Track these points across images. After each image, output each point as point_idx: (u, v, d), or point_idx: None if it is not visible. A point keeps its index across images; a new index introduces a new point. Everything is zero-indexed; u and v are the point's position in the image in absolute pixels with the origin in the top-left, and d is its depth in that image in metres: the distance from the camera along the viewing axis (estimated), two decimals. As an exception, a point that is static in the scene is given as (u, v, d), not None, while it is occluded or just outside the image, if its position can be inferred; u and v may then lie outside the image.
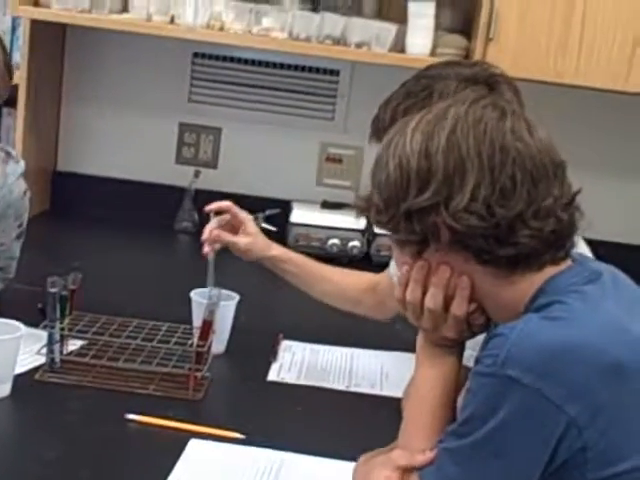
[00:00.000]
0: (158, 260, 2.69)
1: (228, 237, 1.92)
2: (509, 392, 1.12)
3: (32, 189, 2.77)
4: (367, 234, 2.77)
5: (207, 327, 1.78)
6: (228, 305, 1.92)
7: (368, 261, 2.72)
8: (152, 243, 2.83)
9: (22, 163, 2.07)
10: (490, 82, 1.66)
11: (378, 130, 1.68)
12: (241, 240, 1.92)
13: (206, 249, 1.91)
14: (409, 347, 1.97)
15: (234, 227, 1.94)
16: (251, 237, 1.93)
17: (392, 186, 1.22)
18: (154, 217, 2.89)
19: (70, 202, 3.00)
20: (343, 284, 2.00)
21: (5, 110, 2.81)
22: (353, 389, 1.84)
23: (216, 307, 1.81)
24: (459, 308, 1.24)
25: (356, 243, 2.76)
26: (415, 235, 1.22)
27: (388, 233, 1.28)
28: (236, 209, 1.95)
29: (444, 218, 1.18)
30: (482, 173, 1.18)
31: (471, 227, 1.18)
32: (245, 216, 1.95)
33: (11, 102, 2.74)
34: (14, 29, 2.79)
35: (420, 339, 1.35)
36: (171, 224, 2.93)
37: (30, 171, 2.77)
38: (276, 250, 1.96)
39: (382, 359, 1.99)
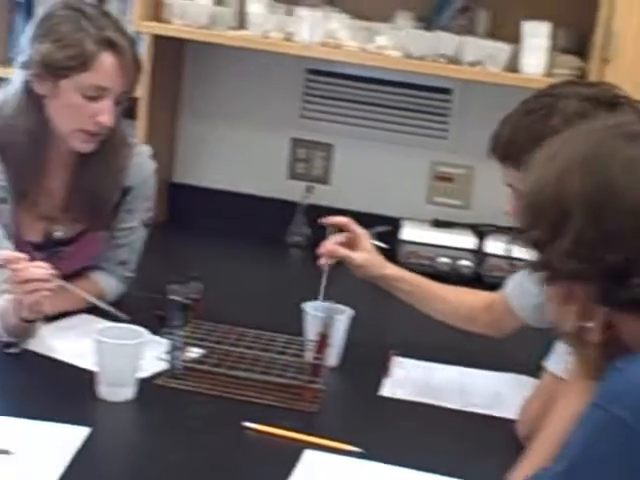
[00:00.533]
0: (270, 273, 2.74)
1: (344, 252, 1.94)
2: (613, 429, 1.10)
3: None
4: (478, 254, 2.77)
5: (324, 340, 1.81)
6: (342, 319, 1.94)
7: (479, 281, 2.72)
8: (264, 256, 2.88)
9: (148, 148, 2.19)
10: (612, 103, 1.65)
11: (497, 146, 1.70)
12: (357, 256, 1.94)
13: (322, 261, 1.93)
14: (522, 369, 1.99)
15: (350, 243, 1.96)
16: (367, 254, 1.95)
17: (551, 225, 1.19)
18: (266, 230, 2.94)
19: (185, 213, 3.07)
20: (457, 302, 2.01)
21: (125, 122, 2.89)
22: (467, 409, 1.84)
23: (332, 321, 1.84)
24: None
25: (466, 262, 2.76)
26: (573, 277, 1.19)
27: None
28: (354, 225, 1.98)
29: None
30: None
31: None
32: (362, 232, 1.97)
33: (131, 114, 2.83)
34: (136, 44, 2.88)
35: (574, 371, 1.34)
36: (282, 238, 2.98)
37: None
38: (390, 269, 1.98)
39: (496, 380, 1.98)
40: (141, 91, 2.77)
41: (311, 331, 1.91)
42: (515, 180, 1.67)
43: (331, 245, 1.94)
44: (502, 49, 2.63)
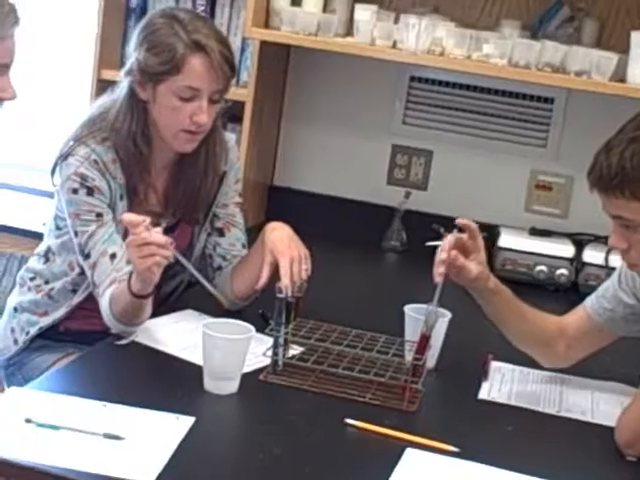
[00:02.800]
0: (368, 275, 2.78)
1: (463, 261, 1.85)
2: None
3: (250, 202, 2.96)
4: (576, 262, 2.77)
5: (425, 341, 1.84)
6: (442, 321, 1.97)
7: (575, 290, 2.72)
8: (362, 259, 2.92)
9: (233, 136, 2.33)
10: None
11: (602, 178, 1.66)
12: (474, 268, 1.85)
13: (440, 270, 1.81)
14: (617, 378, 1.99)
15: (465, 250, 1.88)
16: (482, 266, 1.87)
17: None
18: (364, 235, 2.98)
19: (284, 215, 3.10)
20: (538, 323, 1.97)
21: (230, 126, 2.96)
22: (564, 414, 1.86)
23: (435, 323, 1.87)
24: None
25: (564, 271, 2.76)
26: None
27: None
28: (478, 232, 1.89)
29: None
30: None
31: None
32: (482, 244, 1.89)
33: (236, 118, 2.91)
34: (243, 49, 2.96)
35: None
36: (379, 242, 3.02)
37: (249, 184, 2.96)
38: (492, 282, 1.91)
39: (592, 387, 1.99)
40: (247, 95, 2.85)
41: (411, 333, 1.94)
42: (626, 210, 1.66)
43: (453, 252, 1.84)
44: (609, 58, 2.61)
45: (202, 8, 2.98)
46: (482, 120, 3.02)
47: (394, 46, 2.70)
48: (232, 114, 2.91)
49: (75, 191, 2.04)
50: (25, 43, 1.77)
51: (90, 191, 2.03)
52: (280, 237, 2.07)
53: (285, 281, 1.96)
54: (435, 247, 1.91)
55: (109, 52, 2.99)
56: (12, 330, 2.24)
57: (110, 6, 2.97)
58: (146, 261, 1.83)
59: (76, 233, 2.05)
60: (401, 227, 3.02)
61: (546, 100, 2.96)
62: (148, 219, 1.86)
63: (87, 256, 2.04)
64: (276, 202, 3.15)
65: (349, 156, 3.13)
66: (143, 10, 3.03)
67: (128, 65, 2.08)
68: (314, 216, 3.06)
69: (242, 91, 2.86)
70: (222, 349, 1.75)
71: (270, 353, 1.86)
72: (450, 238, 1.85)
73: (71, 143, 2.07)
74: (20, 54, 1.82)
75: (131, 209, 2.08)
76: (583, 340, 1.95)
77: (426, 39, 2.63)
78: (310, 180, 3.17)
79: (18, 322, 2.23)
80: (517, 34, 2.73)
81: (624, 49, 2.64)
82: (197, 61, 2.00)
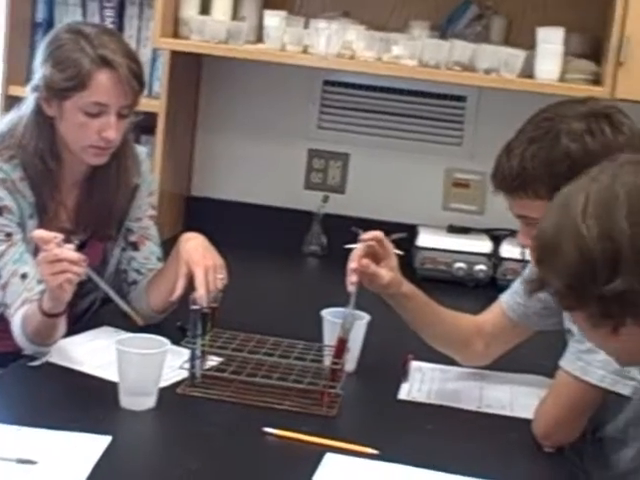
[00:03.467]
0: (288, 281, 2.77)
1: (375, 269, 1.85)
2: None
3: (167, 213, 2.93)
4: (493, 258, 2.79)
5: (342, 345, 1.83)
6: (359, 325, 1.97)
7: (494, 285, 2.74)
8: (281, 266, 2.91)
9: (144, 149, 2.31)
10: (607, 113, 1.68)
11: (505, 179, 1.69)
12: (386, 274, 1.85)
13: (353, 279, 1.82)
14: (535, 370, 2.01)
15: (376, 257, 1.87)
16: (393, 273, 1.87)
17: (574, 273, 1.26)
18: (283, 241, 2.98)
19: (202, 226, 3.08)
20: (455, 324, 1.97)
21: (144, 138, 2.93)
22: (484, 410, 1.87)
23: (351, 326, 1.86)
24: None
25: (482, 267, 2.78)
26: (611, 317, 1.26)
27: (573, 311, 1.32)
28: (387, 241, 1.89)
29: None
30: None
31: None
32: (392, 250, 1.89)
33: (149, 130, 2.88)
34: (154, 60, 2.92)
35: None
36: (299, 247, 3.01)
37: (165, 196, 2.93)
38: (406, 287, 1.91)
39: (511, 381, 2.00)
40: (159, 107, 2.82)
41: (329, 337, 1.93)
42: (530, 209, 1.68)
43: (365, 261, 1.84)
44: (516, 55, 2.65)
45: (110, 20, 2.94)
46: (397, 121, 3.04)
47: (305, 51, 2.70)
48: (145, 126, 2.88)
49: None
50: None
51: None
52: (194, 247, 2.05)
53: (200, 291, 1.94)
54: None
55: (16, 68, 2.94)
56: None
57: (16, 21, 2.92)
58: (57, 278, 1.80)
59: None
60: (320, 231, 3.02)
61: (458, 99, 2.99)
62: (60, 236, 1.82)
63: None
64: (194, 213, 3.13)
65: (266, 163, 3.12)
66: (49, 24, 2.98)
67: (34, 81, 2.04)
68: (233, 225, 3.05)
69: (154, 102, 2.83)
70: (136, 364, 1.72)
71: (187, 365, 1.84)
72: (360, 246, 1.86)
73: None
74: None
75: (41, 227, 2.02)
76: (500, 337, 1.96)
77: (336, 43, 2.63)
78: (228, 189, 3.15)
79: None
80: (426, 34, 2.75)
81: (531, 45, 2.67)
82: (103, 76, 1.98)
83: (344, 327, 1.85)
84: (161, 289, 2.13)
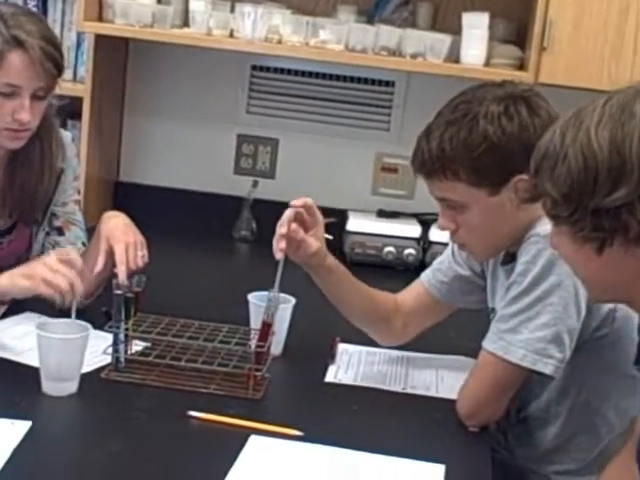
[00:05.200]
0: (218, 266, 2.76)
1: (303, 236, 1.82)
2: None
3: (94, 199, 2.89)
4: (423, 242, 2.81)
5: (267, 328, 1.83)
6: (285, 307, 1.96)
7: (423, 269, 2.74)
8: (212, 251, 2.90)
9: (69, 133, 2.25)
10: (524, 96, 1.70)
11: (424, 163, 1.70)
12: (313, 243, 1.83)
13: (282, 245, 1.79)
14: (462, 351, 2.03)
15: (305, 225, 1.84)
16: (320, 241, 1.86)
17: (575, 181, 1.24)
18: (213, 226, 2.96)
19: (131, 212, 3.05)
20: (374, 300, 1.97)
21: (70, 123, 2.89)
22: (409, 391, 1.88)
23: (275, 309, 1.86)
24: None
25: (412, 251, 2.80)
26: (602, 232, 1.25)
27: (561, 226, 1.31)
28: (316, 210, 1.86)
29: (638, 215, 1.21)
30: None
31: None
32: (321, 220, 1.87)
33: (75, 115, 2.84)
34: (79, 44, 2.89)
35: None
36: (230, 233, 3.00)
37: (92, 181, 2.90)
38: (329, 259, 1.90)
39: (437, 363, 2.02)
40: (84, 91, 2.78)
41: (256, 321, 1.92)
42: (450, 192, 1.70)
43: (294, 226, 1.79)
44: (442, 40, 2.66)
45: (34, 3, 2.89)
46: (326, 106, 3.04)
47: (231, 35, 2.68)
48: (71, 111, 2.84)
49: None
50: None
51: None
52: (115, 224, 2.04)
53: (121, 267, 1.93)
54: None
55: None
56: None
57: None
58: (44, 284, 1.79)
59: None
60: (251, 217, 3.01)
61: (387, 84, 3.00)
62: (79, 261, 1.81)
63: None
64: (122, 198, 3.10)
65: (195, 148, 3.10)
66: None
67: None
68: (163, 210, 3.03)
69: (79, 87, 2.80)
70: (57, 349, 1.70)
71: (111, 350, 1.82)
72: (289, 212, 1.82)
73: None
74: None
75: None
76: (419, 315, 1.98)
77: (262, 27, 2.62)
78: (157, 174, 3.12)
79: None
80: (353, 19, 2.75)
81: (457, 31, 2.69)
82: (15, 57, 1.93)
83: (268, 310, 1.84)
84: (85, 272, 2.10)
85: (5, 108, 1.95)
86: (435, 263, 1.99)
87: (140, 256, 1.99)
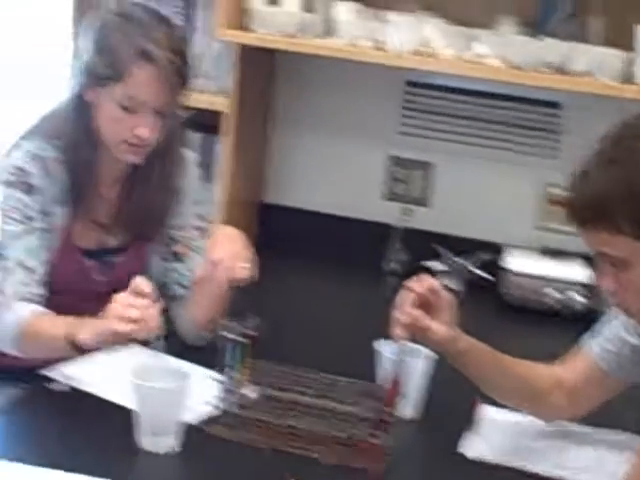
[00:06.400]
0: (358, 302, 2.51)
1: (428, 322, 1.59)
2: None
3: (237, 222, 2.71)
4: (591, 287, 2.48)
5: (394, 387, 1.57)
6: (418, 362, 1.70)
7: (591, 318, 2.41)
8: (355, 283, 2.66)
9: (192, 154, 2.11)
10: None
11: (579, 210, 1.39)
12: (440, 329, 1.59)
13: (398, 332, 1.58)
14: (627, 425, 1.71)
15: (429, 305, 1.61)
16: (448, 327, 1.60)
17: None
18: (359, 255, 2.73)
19: (275, 235, 2.88)
20: (527, 377, 1.68)
21: (205, 137, 2.73)
22: (560, 474, 1.58)
23: (405, 364, 1.60)
24: None
25: (579, 296, 2.49)
26: None
27: None
28: (442, 291, 1.62)
29: None
30: None
31: None
32: (448, 300, 1.62)
33: (211, 129, 2.67)
34: (221, 54, 2.72)
35: None
36: (377, 263, 2.76)
37: (236, 202, 2.73)
38: (463, 343, 1.63)
39: (596, 438, 1.71)
40: (228, 104, 2.61)
41: (383, 375, 1.68)
42: (610, 246, 1.39)
43: (415, 312, 1.58)
44: (616, 57, 2.35)
45: (177, 9, 2.74)
46: (485, 128, 2.76)
47: (379, 47, 2.44)
48: (210, 125, 2.68)
49: (10, 184, 1.86)
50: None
51: (27, 188, 1.86)
52: (224, 234, 1.87)
53: (219, 275, 1.80)
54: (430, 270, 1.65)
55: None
56: None
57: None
58: (121, 324, 1.61)
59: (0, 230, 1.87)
60: (400, 247, 2.77)
61: (552, 105, 2.69)
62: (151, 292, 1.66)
63: (3, 258, 1.86)
64: (267, 220, 2.91)
65: (342, 169, 2.88)
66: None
67: (77, 63, 1.87)
68: (306, 234, 2.83)
69: (220, 100, 2.62)
70: (152, 400, 1.51)
71: (216, 401, 1.61)
72: (409, 297, 1.59)
73: (19, 138, 1.91)
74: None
75: (75, 217, 1.90)
76: (588, 391, 1.66)
77: (412, 39, 2.37)
78: (300, 196, 2.92)
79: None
80: (514, 31, 2.47)
81: (629, 46, 2.38)
82: (142, 72, 1.80)
83: (397, 365, 1.59)
84: (204, 301, 1.93)
85: (126, 122, 1.83)
86: (599, 329, 1.68)
87: (242, 267, 1.80)
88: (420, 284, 1.60)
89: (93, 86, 1.84)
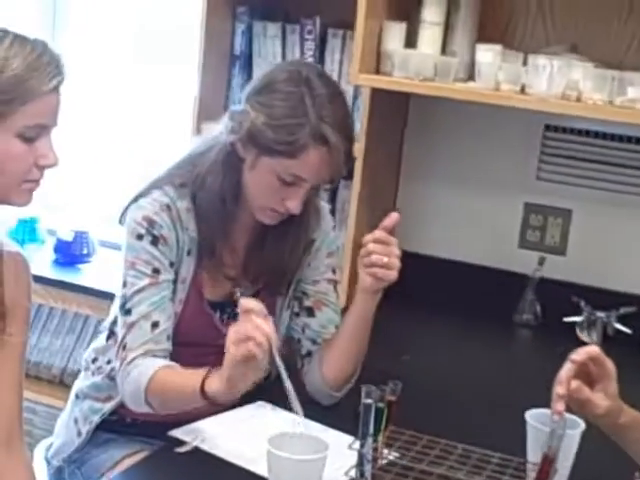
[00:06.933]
0: (494, 359, 2.39)
1: (588, 394, 1.49)
2: None
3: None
4: None
5: (547, 465, 1.45)
6: (572, 435, 1.57)
7: None
8: (488, 336, 2.53)
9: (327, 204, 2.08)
10: None
11: None
12: (602, 403, 1.50)
13: (559, 408, 1.47)
14: None
15: (591, 378, 1.51)
16: (612, 399, 1.50)
17: None
18: (492, 306, 2.59)
19: (405, 283, 2.77)
20: None
21: (342, 182, 2.65)
22: None
23: (560, 437, 1.48)
24: None
25: None
26: None
27: None
28: (606, 360, 1.51)
29: None
30: None
31: None
32: (612, 370, 1.51)
33: (348, 174, 2.59)
34: (355, 98, 2.65)
35: None
36: (510, 315, 2.63)
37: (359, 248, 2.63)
38: (626, 416, 1.52)
39: None
40: (357, 150, 2.53)
41: (534, 450, 1.55)
42: None
43: (575, 383, 1.48)
44: None
45: (310, 53, 2.71)
46: (630, 174, 2.61)
47: (522, 91, 2.33)
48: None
49: (139, 237, 1.81)
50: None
51: (155, 240, 1.80)
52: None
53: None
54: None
55: (210, 103, 2.74)
56: (75, 421, 1.98)
57: (212, 54, 2.73)
58: (239, 347, 1.56)
59: (125, 283, 1.81)
60: (535, 298, 2.63)
61: None
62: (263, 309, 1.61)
63: (127, 312, 1.79)
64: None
65: (476, 216, 2.76)
66: (248, 58, 2.79)
67: (236, 122, 1.79)
68: (436, 283, 2.71)
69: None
70: (290, 471, 1.42)
71: (354, 473, 1.51)
72: (569, 366, 1.49)
73: (147, 186, 1.86)
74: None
75: (201, 268, 1.85)
76: None
77: (559, 83, 2.25)
78: (431, 243, 2.81)
79: (81, 410, 1.97)
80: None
81: None
82: (316, 154, 1.76)
83: (552, 440, 1.46)
84: (338, 361, 1.87)
85: (279, 193, 1.79)
86: None
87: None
88: (580, 353, 1.48)
89: (253, 149, 1.78)
